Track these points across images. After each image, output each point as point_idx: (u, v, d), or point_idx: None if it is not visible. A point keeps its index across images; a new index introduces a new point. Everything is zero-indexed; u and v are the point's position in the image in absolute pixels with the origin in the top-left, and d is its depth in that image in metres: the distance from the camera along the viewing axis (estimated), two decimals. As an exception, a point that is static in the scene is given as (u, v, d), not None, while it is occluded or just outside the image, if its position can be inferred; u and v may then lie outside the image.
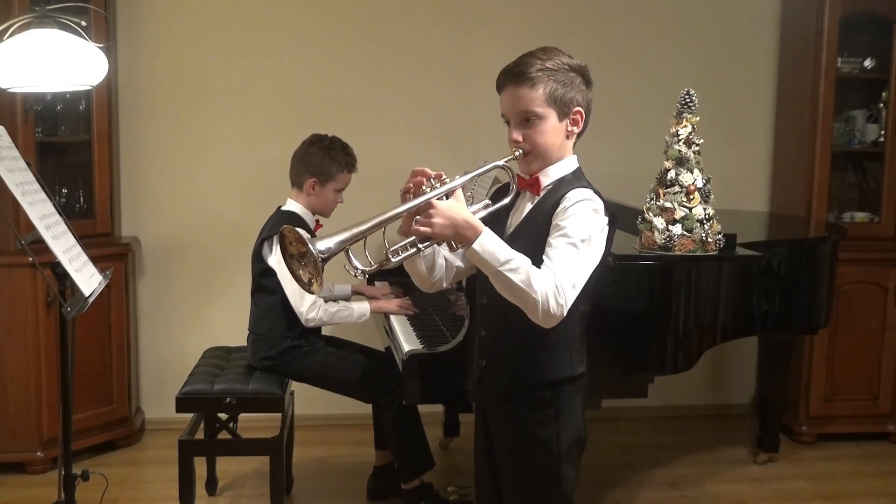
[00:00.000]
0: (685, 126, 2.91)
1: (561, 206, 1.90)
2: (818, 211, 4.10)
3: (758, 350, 4.56)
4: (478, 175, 1.98)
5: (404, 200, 1.88)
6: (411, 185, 1.89)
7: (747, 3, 4.43)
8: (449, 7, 4.25)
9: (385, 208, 1.82)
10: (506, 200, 2.02)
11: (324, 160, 3.23)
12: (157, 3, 4.09)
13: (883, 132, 4.16)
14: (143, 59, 4.10)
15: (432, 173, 1.88)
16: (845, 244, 3.74)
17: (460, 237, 1.83)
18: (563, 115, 1.95)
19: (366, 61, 4.22)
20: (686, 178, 2.88)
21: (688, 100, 2.92)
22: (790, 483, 3.79)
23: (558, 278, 1.80)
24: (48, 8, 2.91)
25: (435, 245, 1.96)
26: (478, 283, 2.04)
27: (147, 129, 4.14)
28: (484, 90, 4.21)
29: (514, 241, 1.91)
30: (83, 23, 3.20)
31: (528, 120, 1.94)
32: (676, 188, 2.88)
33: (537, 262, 1.83)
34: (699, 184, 2.89)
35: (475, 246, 1.81)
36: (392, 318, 3.19)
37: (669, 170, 2.91)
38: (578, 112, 1.97)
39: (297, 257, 1.79)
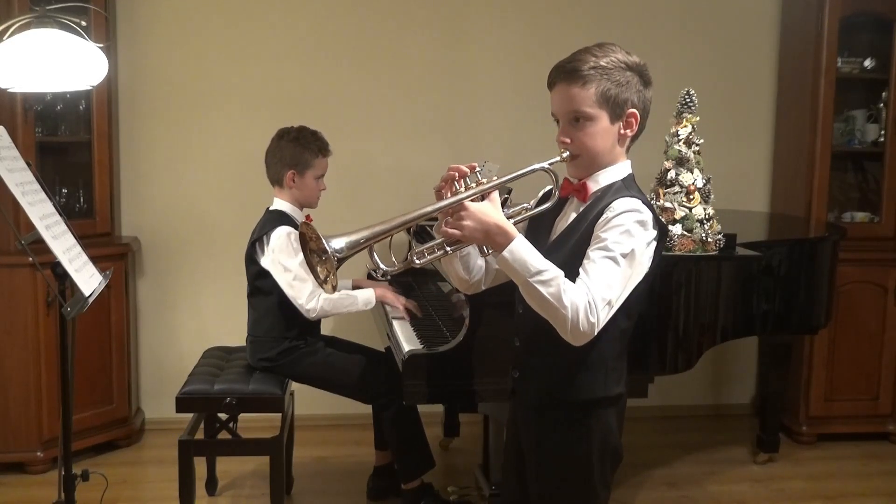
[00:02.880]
0: (685, 126, 2.92)
1: (604, 216, 1.78)
2: (818, 211, 4.10)
3: (758, 350, 4.56)
4: (518, 177, 1.86)
5: (438, 199, 1.81)
6: (444, 183, 1.81)
7: (747, 3, 4.43)
8: (448, 7, 4.25)
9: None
10: (545, 206, 1.92)
11: (296, 149, 3.22)
12: (157, 3, 4.09)
13: (883, 132, 4.16)
14: (143, 59, 4.10)
15: (466, 170, 1.80)
16: (845, 244, 3.74)
17: (491, 242, 1.75)
18: (615, 116, 1.84)
19: (366, 62, 4.22)
20: (686, 178, 2.88)
21: (688, 100, 2.92)
22: (790, 483, 3.79)
23: (592, 294, 1.71)
24: (48, 8, 2.91)
25: (460, 248, 1.89)
26: (517, 291, 1.90)
27: (147, 129, 4.14)
28: (484, 90, 4.27)
29: (556, 249, 1.83)
30: (83, 23, 3.19)
31: (577, 120, 1.83)
32: (676, 188, 2.88)
33: (577, 273, 1.74)
34: (699, 184, 2.89)
35: (505, 253, 1.73)
36: (393, 318, 3.19)
37: (669, 170, 2.92)
38: (633, 114, 1.86)
39: (319, 253, 1.73)
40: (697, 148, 2.92)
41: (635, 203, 1.80)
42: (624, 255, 1.75)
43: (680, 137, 2.91)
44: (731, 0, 4.42)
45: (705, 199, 2.90)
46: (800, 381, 4.16)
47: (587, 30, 4.27)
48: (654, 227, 1.82)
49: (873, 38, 4.20)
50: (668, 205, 2.88)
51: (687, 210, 2.86)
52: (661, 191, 2.92)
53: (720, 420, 4.54)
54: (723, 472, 3.87)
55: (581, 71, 1.81)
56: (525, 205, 1.96)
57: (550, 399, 1.91)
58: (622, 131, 1.87)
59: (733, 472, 3.89)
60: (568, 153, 1.86)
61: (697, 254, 2.86)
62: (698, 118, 2.93)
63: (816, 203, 4.10)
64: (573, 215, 1.90)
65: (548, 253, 1.78)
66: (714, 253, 2.89)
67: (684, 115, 2.92)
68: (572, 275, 1.74)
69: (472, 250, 1.95)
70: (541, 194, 2.04)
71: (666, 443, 4.21)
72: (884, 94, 4.14)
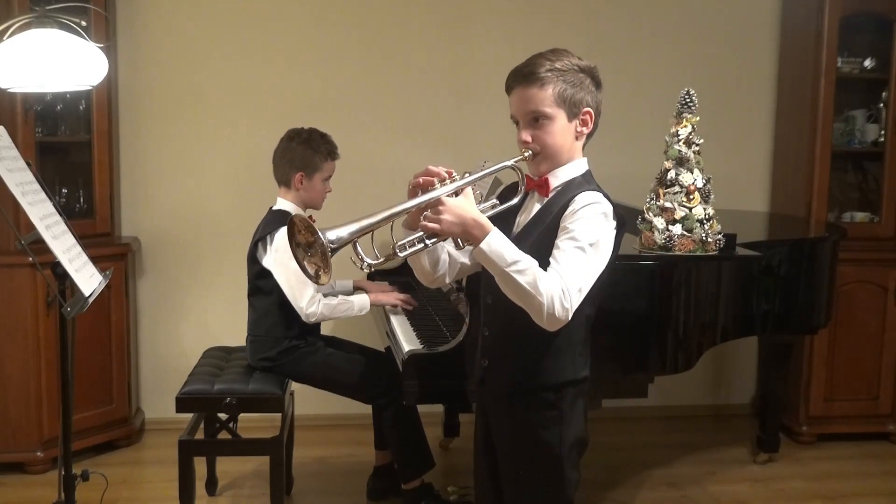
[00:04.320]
0: (685, 126, 2.91)
1: (570, 208, 1.89)
2: (818, 211, 4.10)
3: (758, 350, 4.56)
4: (488, 174, 1.96)
5: (412, 195, 1.89)
6: (420, 180, 1.89)
7: (747, 3, 4.43)
8: (449, 7, 4.25)
9: (390, 204, 1.81)
10: (514, 201, 2.02)
11: (306, 152, 3.23)
12: (157, 3, 4.09)
13: (883, 132, 4.16)
14: (143, 59, 4.10)
15: (444, 172, 1.88)
16: (845, 244, 3.74)
17: (468, 235, 1.83)
18: (572, 115, 1.95)
19: (366, 62, 4.22)
20: (686, 178, 2.88)
21: (688, 100, 2.92)
22: (790, 483, 3.79)
23: (565, 282, 1.80)
24: (48, 8, 2.91)
25: (439, 241, 1.96)
26: (483, 282, 2.04)
27: (147, 129, 4.14)
28: (484, 90, 4.27)
29: (521, 241, 1.90)
30: (83, 23, 3.19)
31: (536, 120, 1.94)
32: (676, 188, 2.88)
33: (543, 263, 1.83)
34: (699, 184, 2.89)
35: (483, 245, 1.81)
36: (392, 318, 3.19)
37: (669, 170, 2.91)
38: (588, 113, 1.96)
39: (305, 247, 1.78)
40: (697, 148, 2.92)
41: (598, 196, 1.92)
42: (591, 245, 1.86)
43: (680, 137, 2.91)
44: (731, 0, 4.42)
45: (705, 199, 2.90)
46: (800, 381, 4.16)
47: (588, 30, 4.28)
48: (614, 218, 1.93)
49: (873, 38, 4.20)
50: (668, 205, 2.88)
51: (687, 210, 2.86)
52: (661, 191, 2.91)
53: (720, 420, 4.54)
54: (723, 472, 3.87)
55: (538, 74, 1.92)
56: (494, 200, 2.03)
57: (521, 385, 2.00)
58: (578, 129, 1.98)
59: (733, 472, 3.89)
60: (530, 152, 1.96)
61: (697, 254, 2.86)
62: (698, 118, 2.93)
63: (816, 203, 4.10)
64: (536, 207, 2.00)
65: (514, 244, 1.85)
66: (714, 253, 2.89)
67: (684, 115, 2.92)
68: (540, 264, 1.82)
69: (438, 246, 2.02)
70: (498, 191, 2.13)
71: (666, 443, 4.21)
72: (884, 94, 4.15)
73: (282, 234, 3.13)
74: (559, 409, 1.98)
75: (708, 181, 2.91)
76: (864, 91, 4.28)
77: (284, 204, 3.27)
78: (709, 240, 2.87)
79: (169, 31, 4.11)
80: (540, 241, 1.91)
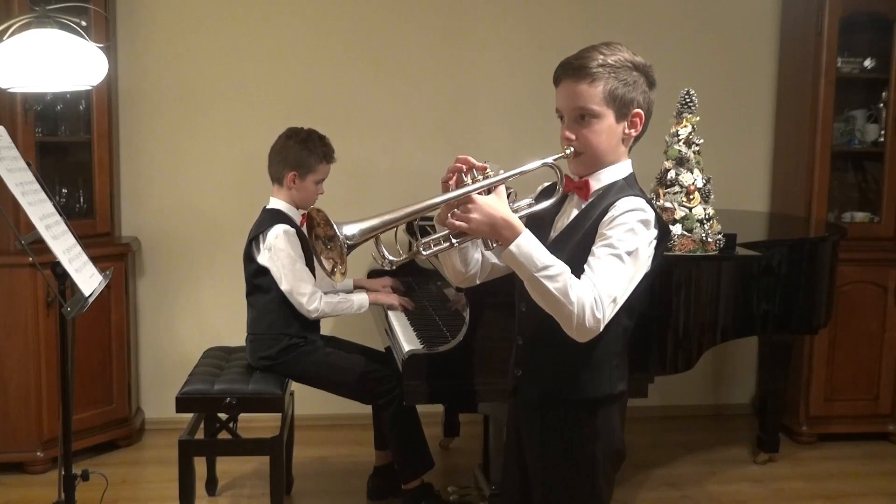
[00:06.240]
0: (685, 126, 2.92)
1: (609, 214, 1.79)
2: (818, 211, 4.10)
3: (758, 350, 4.55)
4: (524, 172, 1.83)
5: (445, 190, 1.81)
6: (452, 174, 1.81)
7: (747, 3, 4.43)
8: (449, 7, 4.25)
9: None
10: (550, 201, 1.90)
11: (302, 152, 3.23)
12: (157, 3, 4.09)
13: (883, 132, 4.16)
14: (143, 59, 4.10)
15: (476, 163, 1.80)
16: (845, 244, 3.74)
17: (498, 236, 1.74)
18: (621, 116, 1.83)
19: (366, 62, 4.22)
20: (686, 178, 2.88)
21: (688, 100, 2.92)
22: (790, 483, 3.79)
23: (598, 290, 1.70)
24: (48, 8, 2.91)
25: (466, 241, 1.87)
26: (517, 289, 1.92)
27: (147, 129, 4.14)
28: (484, 90, 4.27)
29: (558, 247, 1.82)
30: (83, 23, 3.20)
31: (583, 117, 1.83)
32: (676, 188, 2.88)
33: (580, 271, 1.74)
34: (699, 184, 2.89)
35: (512, 247, 1.72)
36: (392, 317, 3.19)
37: (669, 170, 2.92)
38: (638, 114, 1.85)
39: (325, 240, 1.72)
40: (697, 148, 2.92)
41: (639, 202, 1.81)
42: (629, 253, 1.75)
43: (680, 137, 2.91)
44: (731, 0, 4.42)
45: (705, 199, 2.90)
46: (800, 381, 4.16)
47: (588, 30, 4.27)
48: (655, 227, 1.82)
49: (873, 38, 4.20)
50: (668, 205, 2.88)
51: (687, 210, 2.86)
52: (661, 191, 2.92)
53: (720, 420, 4.54)
54: (723, 472, 3.87)
55: (589, 68, 1.81)
56: (529, 200, 1.94)
57: (555, 397, 1.91)
58: (626, 131, 1.86)
59: (733, 472, 3.89)
60: (572, 150, 1.85)
61: (697, 254, 2.86)
62: (698, 118, 2.93)
63: (816, 203, 4.10)
64: (575, 212, 1.90)
65: (551, 250, 1.77)
66: (714, 253, 2.89)
67: (684, 115, 2.92)
68: (576, 272, 1.74)
69: (471, 243, 1.94)
70: (539, 190, 2.02)
71: (666, 443, 4.21)
72: (884, 94, 4.15)
73: (275, 232, 3.14)
74: (593, 427, 1.89)
75: (708, 181, 2.91)
76: (864, 91, 4.28)
77: (277, 203, 3.27)
78: (709, 240, 2.87)
79: (169, 31, 4.11)
80: (579, 246, 1.81)
